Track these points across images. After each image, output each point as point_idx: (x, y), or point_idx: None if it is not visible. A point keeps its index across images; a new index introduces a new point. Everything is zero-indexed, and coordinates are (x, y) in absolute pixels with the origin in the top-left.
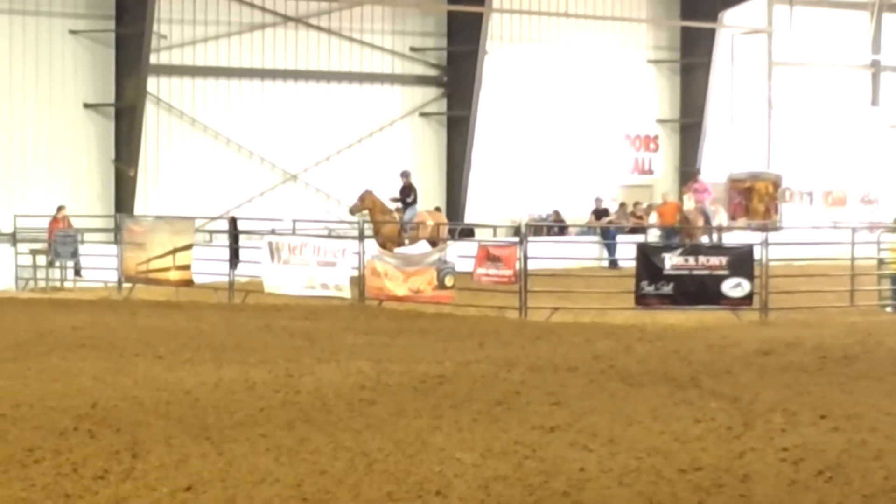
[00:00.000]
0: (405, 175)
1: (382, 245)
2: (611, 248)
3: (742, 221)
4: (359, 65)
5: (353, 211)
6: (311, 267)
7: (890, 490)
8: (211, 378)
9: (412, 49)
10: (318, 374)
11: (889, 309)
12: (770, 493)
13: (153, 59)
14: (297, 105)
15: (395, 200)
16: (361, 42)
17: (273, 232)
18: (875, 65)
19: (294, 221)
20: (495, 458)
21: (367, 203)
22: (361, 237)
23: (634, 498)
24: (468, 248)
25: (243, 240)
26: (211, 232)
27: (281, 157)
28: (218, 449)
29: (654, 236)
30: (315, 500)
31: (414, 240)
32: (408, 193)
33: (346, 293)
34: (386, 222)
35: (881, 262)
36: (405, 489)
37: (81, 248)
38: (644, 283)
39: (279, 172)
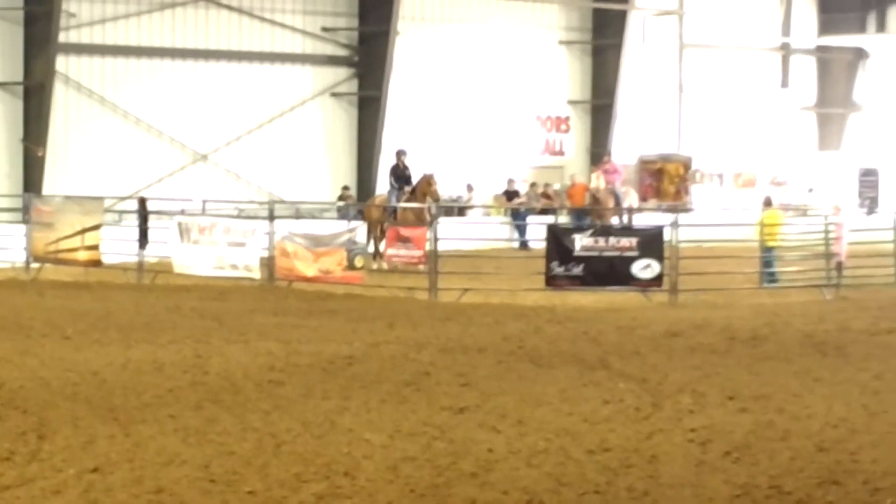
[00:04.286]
0: (400, 154)
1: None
2: (521, 230)
3: (652, 203)
4: (269, 45)
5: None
6: (220, 247)
7: (797, 470)
8: (119, 359)
9: (323, 29)
10: (226, 354)
11: (766, 284)
12: (678, 474)
13: (62, 37)
14: (208, 85)
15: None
16: (272, 22)
17: (183, 212)
18: (785, 47)
19: (204, 202)
20: (404, 439)
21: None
22: (271, 217)
23: (543, 478)
24: None
25: (153, 220)
26: (120, 212)
27: (191, 138)
28: (125, 430)
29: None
30: (223, 482)
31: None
32: (395, 174)
33: (256, 274)
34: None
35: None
36: (313, 470)
37: None
38: (554, 265)
39: (189, 153)
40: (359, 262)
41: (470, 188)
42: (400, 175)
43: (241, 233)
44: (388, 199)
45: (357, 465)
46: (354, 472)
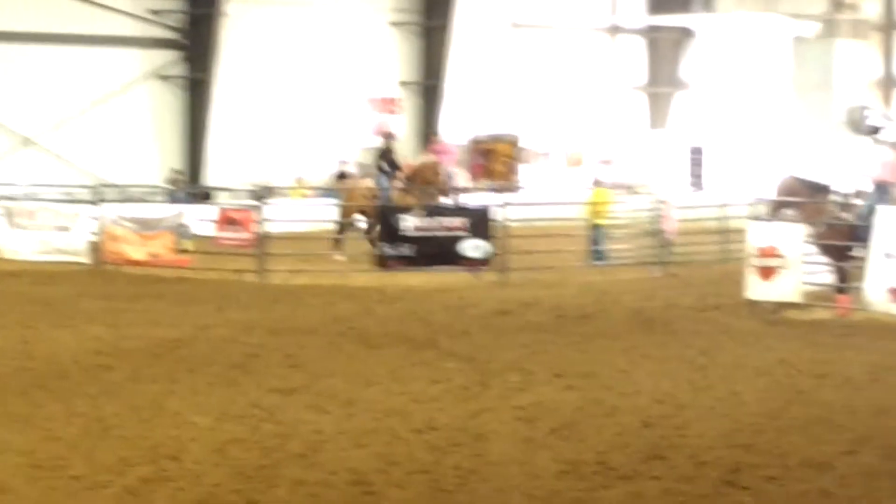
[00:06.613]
0: (386, 137)
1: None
2: None
3: (483, 183)
4: (96, 27)
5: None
6: (47, 231)
7: (623, 446)
8: None
9: (150, 11)
10: (53, 339)
11: (595, 262)
12: (505, 452)
13: None
14: (33, 68)
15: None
16: (98, 4)
17: (8, 197)
18: (614, 27)
19: (30, 186)
20: (231, 422)
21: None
22: (99, 201)
23: (370, 458)
24: (208, 211)
25: None
26: None
27: (16, 121)
28: None
29: None
30: (48, 467)
31: None
32: (387, 159)
33: (84, 258)
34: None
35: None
36: (140, 454)
37: None
38: (384, 245)
39: (14, 136)
40: (187, 244)
41: (295, 175)
42: (390, 160)
43: (67, 217)
44: (378, 185)
45: (184, 448)
46: (181, 456)
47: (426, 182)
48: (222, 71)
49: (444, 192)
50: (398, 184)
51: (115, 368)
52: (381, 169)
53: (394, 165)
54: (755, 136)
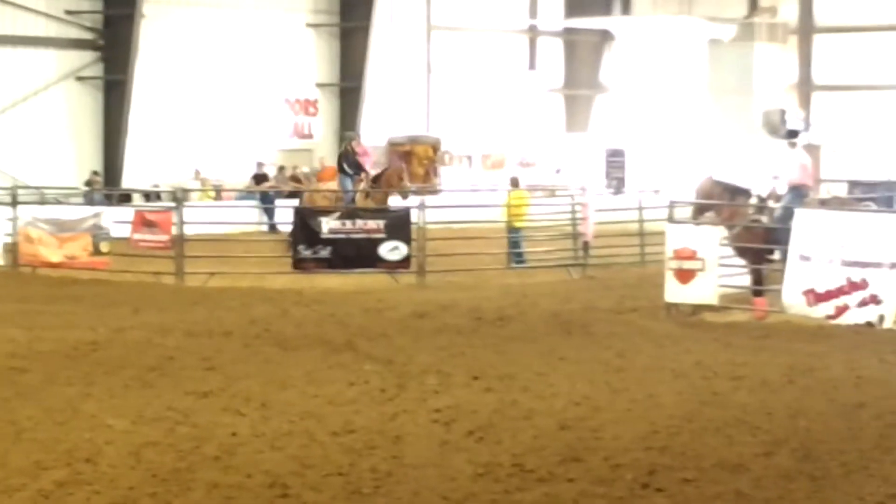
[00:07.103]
0: (347, 138)
1: None
2: (270, 213)
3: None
4: (11, 28)
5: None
6: None
7: (539, 448)
8: None
9: (67, 12)
10: None
11: (513, 264)
12: (421, 454)
13: None
14: None
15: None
16: (13, 4)
17: None
18: (532, 30)
19: None
20: (147, 425)
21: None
22: (15, 203)
23: (286, 461)
24: (125, 213)
25: None
26: None
27: None
28: None
29: None
30: None
31: None
32: (349, 160)
33: None
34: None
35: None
36: (54, 457)
37: None
38: (302, 248)
39: None
40: (104, 246)
41: (198, 174)
42: (353, 162)
43: None
44: (341, 187)
45: (99, 451)
46: (96, 459)
47: (390, 186)
48: (140, 72)
49: (405, 196)
50: (361, 185)
51: (30, 371)
52: (343, 171)
53: (356, 167)
54: (674, 138)
